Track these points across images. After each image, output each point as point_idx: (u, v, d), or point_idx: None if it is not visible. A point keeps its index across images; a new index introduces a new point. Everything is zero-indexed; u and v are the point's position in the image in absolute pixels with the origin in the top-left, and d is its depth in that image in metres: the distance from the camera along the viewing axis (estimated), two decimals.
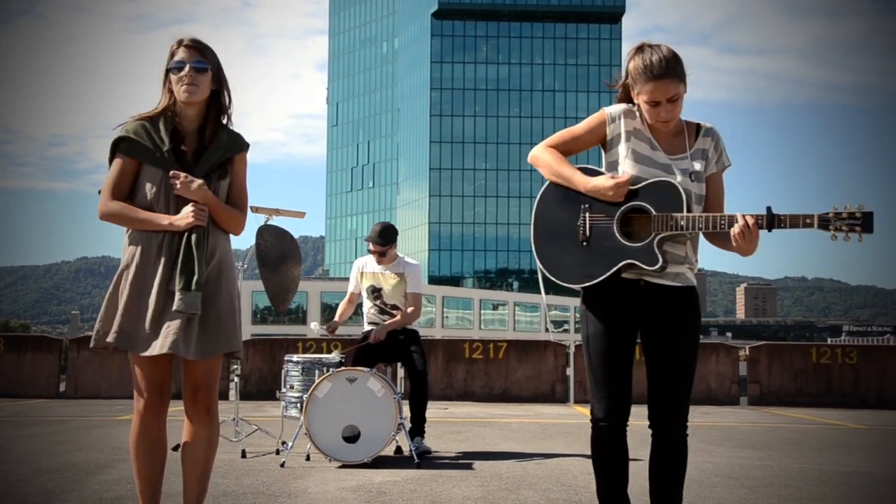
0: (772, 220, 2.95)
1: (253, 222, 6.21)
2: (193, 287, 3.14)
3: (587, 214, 3.17)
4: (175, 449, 3.30)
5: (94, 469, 5.50)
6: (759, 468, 5.93)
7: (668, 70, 3.06)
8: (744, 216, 2.98)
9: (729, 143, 3.33)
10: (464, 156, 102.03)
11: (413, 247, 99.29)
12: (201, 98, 3.33)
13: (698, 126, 3.26)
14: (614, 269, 3.11)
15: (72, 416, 9.47)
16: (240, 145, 3.45)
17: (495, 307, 64.59)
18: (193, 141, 3.34)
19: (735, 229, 2.98)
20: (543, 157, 3.28)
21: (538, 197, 3.32)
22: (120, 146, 3.25)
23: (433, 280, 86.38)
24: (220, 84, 3.40)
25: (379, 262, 6.55)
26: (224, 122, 3.45)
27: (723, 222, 3.03)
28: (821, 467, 6.11)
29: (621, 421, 3.23)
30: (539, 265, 3.28)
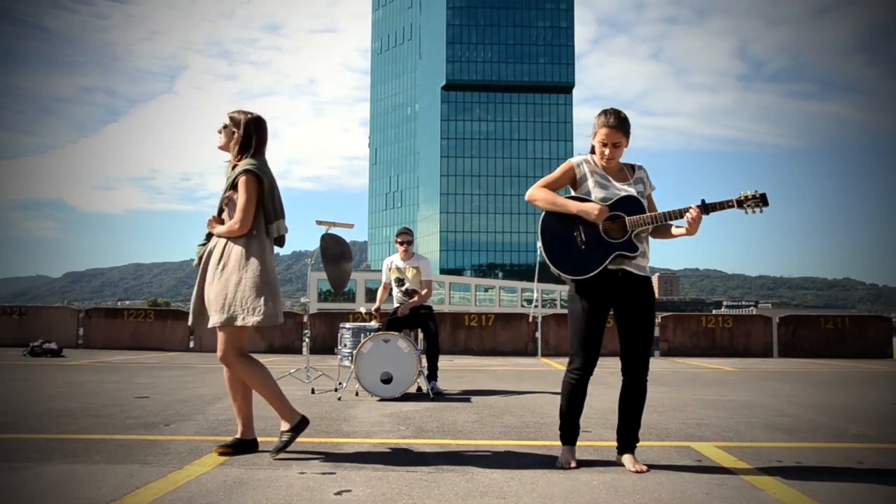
0: (706, 207, 3.09)
1: (318, 231, 6.24)
2: None
3: (581, 227, 3.22)
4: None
5: (213, 400, 5.54)
6: (666, 399, 5.94)
7: (616, 124, 3.20)
8: (692, 207, 3.09)
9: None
10: (465, 185, 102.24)
11: (429, 248, 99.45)
12: (221, 145, 3.53)
13: (633, 165, 3.35)
14: (609, 259, 3.18)
15: (197, 363, 9.51)
16: (241, 172, 3.39)
17: (486, 290, 64.34)
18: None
19: (690, 215, 3.09)
20: (539, 194, 3.31)
21: (540, 223, 3.30)
22: None
23: (443, 271, 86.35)
24: (234, 137, 3.48)
25: (404, 252, 6.48)
26: (244, 157, 3.45)
27: (676, 213, 3.14)
28: (706, 397, 6.13)
29: (590, 372, 3.27)
30: (552, 267, 3.25)
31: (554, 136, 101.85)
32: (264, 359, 12.36)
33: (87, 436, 3.90)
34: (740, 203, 3.01)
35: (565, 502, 2.64)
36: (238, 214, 3.37)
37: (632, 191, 3.23)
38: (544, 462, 3.33)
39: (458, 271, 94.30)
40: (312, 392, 6.11)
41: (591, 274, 3.18)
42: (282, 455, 3.35)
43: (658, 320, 13.72)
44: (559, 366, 10.25)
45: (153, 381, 7.13)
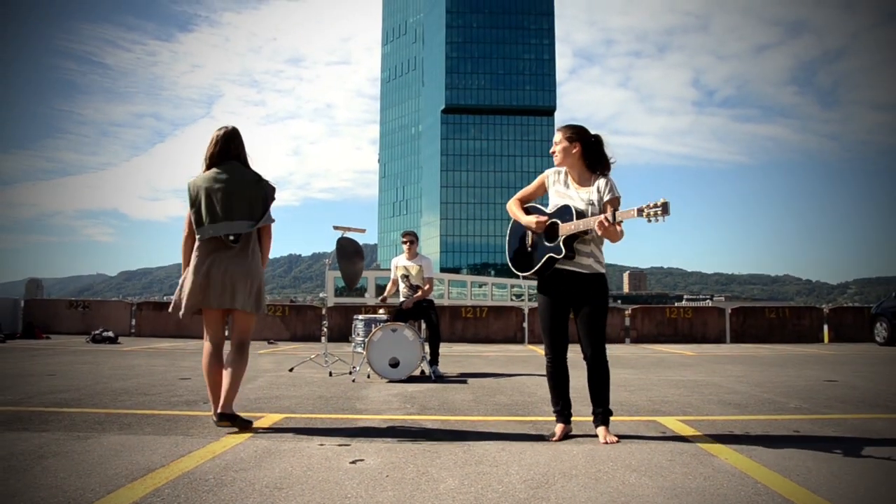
0: (613, 216, 2.96)
1: (335, 235, 6.24)
2: None
3: (529, 233, 3.32)
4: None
5: (247, 380, 5.52)
6: (635, 380, 5.94)
7: (559, 129, 3.29)
8: (600, 216, 2.99)
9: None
10: (461, 195, 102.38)
11: (430, 250, 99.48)
12: None
13: (598, 174, 3.26)
14: (542, 261, 3.20)
15: None
16: None
17: (480, 286, 64.29)
18: None
19: (595, 223, 3.00)
20: (510, 208, 3.41)
21: (508, 228, 3.48)
22: None
23: (443, 270, 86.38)
24: None
25: (407, 253, 6.43)
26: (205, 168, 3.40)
27: (592, 222, 3.03)
28: (670, 378, 6.12)
29: (561, 356, 3.27)
30: (510, 265, 3.40)
31: (538, 152, 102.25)
32: (288, 346, 12.29)
33: (139, 411, 3.90)
34: (640, 212, 2.86)
35: (549, 468, 2.65)
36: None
37: (569, 202, 3.16)
38: (532, 435, 3.33)
39: (455, 270, 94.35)
40: (330, 375, 6.08)
41: (531, 272, 3.24)
42: (302, 429, 3.35)
43: (628, 312, 13.71)
44: (544, 352, 10.26)
45: (194, 364, 7.11)
